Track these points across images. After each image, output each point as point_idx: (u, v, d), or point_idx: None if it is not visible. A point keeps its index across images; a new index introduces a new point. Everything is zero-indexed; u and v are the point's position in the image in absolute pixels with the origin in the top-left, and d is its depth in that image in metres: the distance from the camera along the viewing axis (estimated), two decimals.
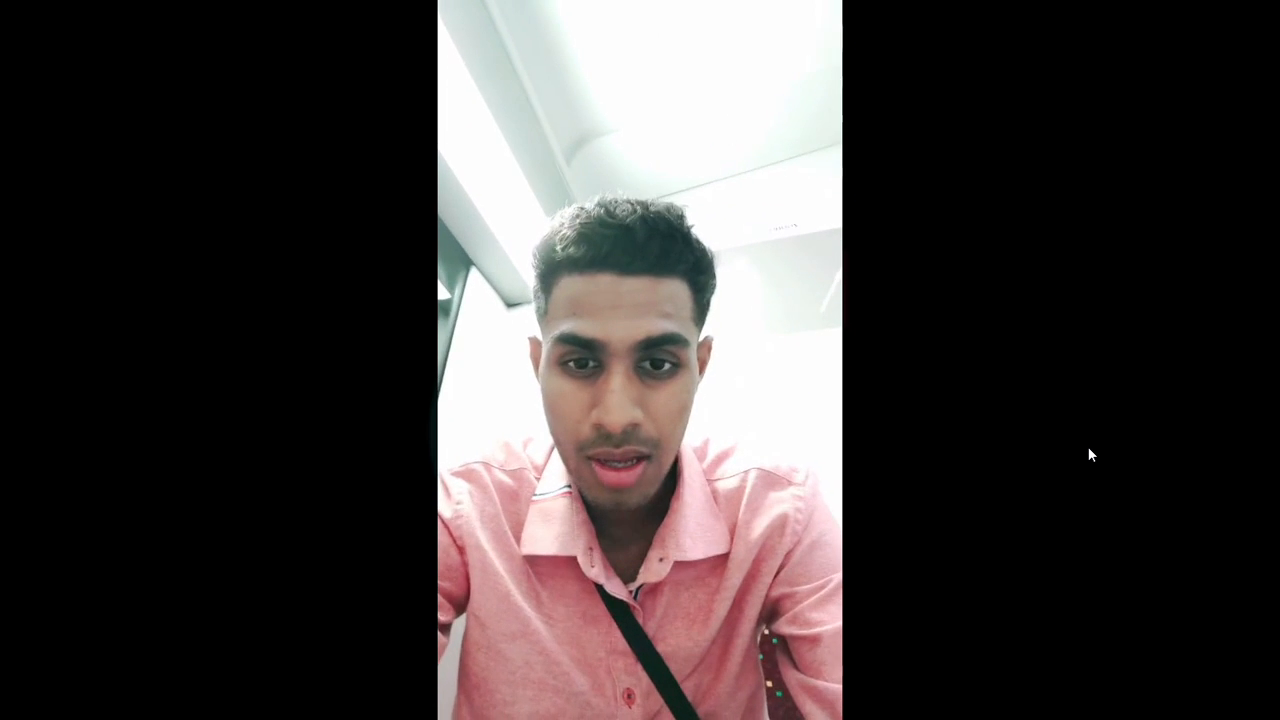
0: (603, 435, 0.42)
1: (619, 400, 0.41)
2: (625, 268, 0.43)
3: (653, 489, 0.47)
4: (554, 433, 0.47)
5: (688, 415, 0.47)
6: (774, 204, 1.30)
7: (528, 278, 1.26)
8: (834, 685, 0.45)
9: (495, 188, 1.02)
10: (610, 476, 0.43)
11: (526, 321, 1.23)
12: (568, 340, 0.43)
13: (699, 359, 0.50)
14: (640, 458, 0.44)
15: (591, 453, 0.44)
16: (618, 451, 0.43)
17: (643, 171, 1.27)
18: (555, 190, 1.15)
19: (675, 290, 0.45)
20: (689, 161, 1.30)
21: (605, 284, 0.43)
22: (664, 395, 0.44)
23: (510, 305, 1.26)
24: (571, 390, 0.44)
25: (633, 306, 0.42)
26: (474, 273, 1.13)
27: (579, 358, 0.44)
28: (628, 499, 0.45)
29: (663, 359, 0.43)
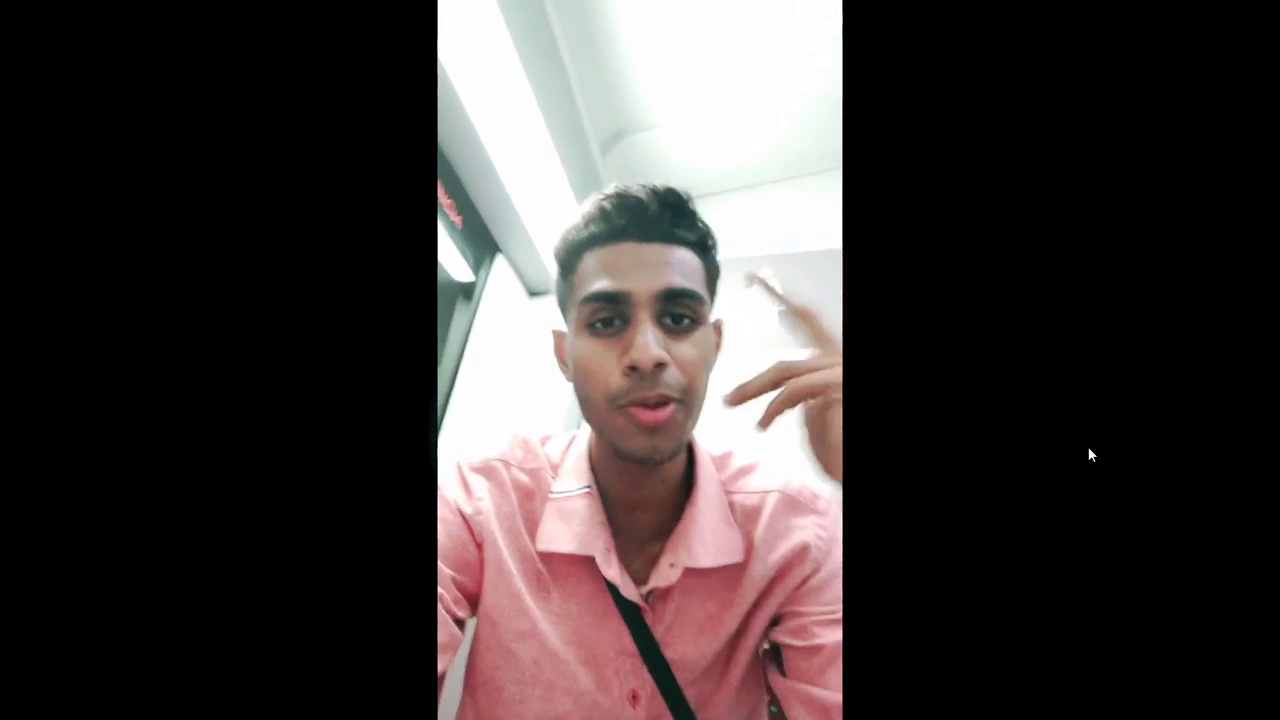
0: (635, 377, 0.44)
1: (646, 340, 0.44)
2: (642, 236, 0.47)
3: (684, 437, 0.48)
4: (584, 394, 0.48)
5: (710, 369, 0.49)
6: (801, 217, 1.30)
7: (553, 267, 1.26)
8: (829, 693, 0.46)
9: (529, 174, 1.01)
10: (646, 415, 0.44)
11: (548, 311, 1.23)
12: (594, 298, 0.46)
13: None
14: (670, 400, 0.45)
15: (625, 400, 0.45)
16: (651, 395, 0.44)
17: (675, 171, 1.26)
18: (588, 182, 1.15)
19: (687, 256, 0.48)
20: (723, 166, 1.30)
21: (626, 248, 0.47)
22: (687, 345, 0.46)
23: (533, 294, 1.25)
24: (600, 348, 0.46)
25: (653, 265, 0.46)
26: (499, 259, 1.13)
27: (606, 315, 0.46)
28: (662, 443, 0.45)
29: (682, 313, 0.47)
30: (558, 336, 0.54)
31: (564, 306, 0.52)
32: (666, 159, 1.25)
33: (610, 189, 0.49)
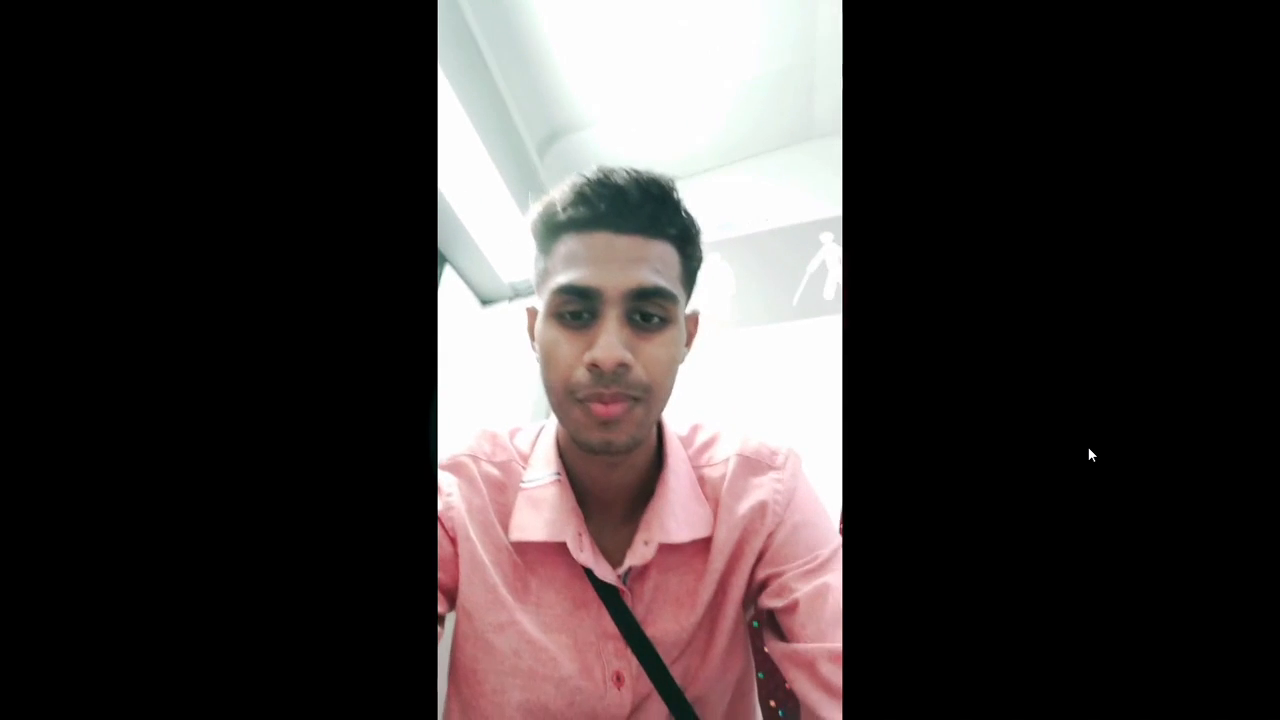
0: (595, 375, 0.44)
1: (610, 340, 0.44)
2: (619, 227, 0.46)
3: (642, 434, 0.47)
4: (547, 381, 0.48)
5: (676, 369, 0.48)
6: (746, 199, 1.32)
7: (502, 275, 1.24)
8: (811, 645, 0.46)
9: (468, 184, 1.01)
10: (601, 409, 0.45)
11: (502, 319, 1.23)
12: (565, 290, 0.45)
13: (687, 331, 0.52)
14: (629, 399, 0.45)
15: (583, 394, 0.45)
16: (608, 392, 0.44)
17: (617, 166, 1.27)
18: (528, 186, 1.15)
19: (665, 251, 0.47)
20: (662, 157, 1.31)
21: (601, 240, 0.46)
22: (654, 345, 0.46)
23: (485, 303, 1.25)
24: (567, 339, 0.46)
25: (626, 260, 0.45)
26: (448, 270, 1.12)
27: (575, 309, 0.46)
28: (617, 436, 0.45)
29: (652, 312, 0.46)
30: (531, 314, 0.54)
31: (538, 285, 0.51)
32: (606, 157, 1.25)
33: (593, 170, 0.48)
